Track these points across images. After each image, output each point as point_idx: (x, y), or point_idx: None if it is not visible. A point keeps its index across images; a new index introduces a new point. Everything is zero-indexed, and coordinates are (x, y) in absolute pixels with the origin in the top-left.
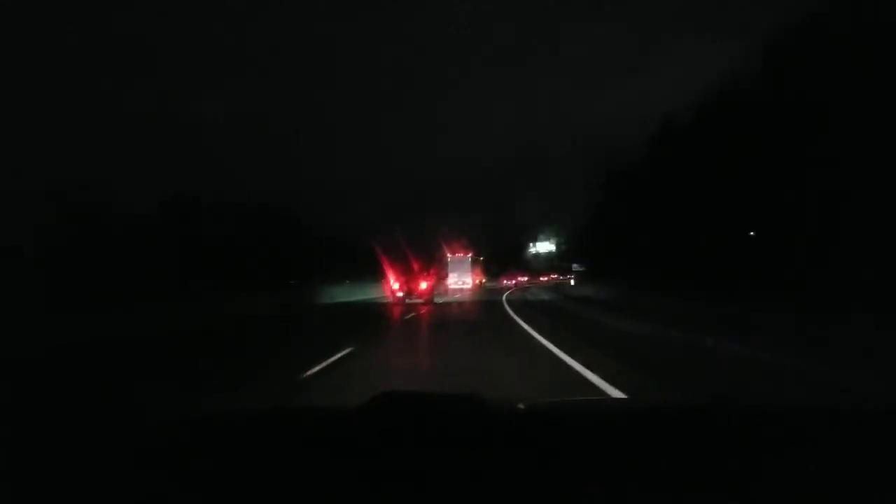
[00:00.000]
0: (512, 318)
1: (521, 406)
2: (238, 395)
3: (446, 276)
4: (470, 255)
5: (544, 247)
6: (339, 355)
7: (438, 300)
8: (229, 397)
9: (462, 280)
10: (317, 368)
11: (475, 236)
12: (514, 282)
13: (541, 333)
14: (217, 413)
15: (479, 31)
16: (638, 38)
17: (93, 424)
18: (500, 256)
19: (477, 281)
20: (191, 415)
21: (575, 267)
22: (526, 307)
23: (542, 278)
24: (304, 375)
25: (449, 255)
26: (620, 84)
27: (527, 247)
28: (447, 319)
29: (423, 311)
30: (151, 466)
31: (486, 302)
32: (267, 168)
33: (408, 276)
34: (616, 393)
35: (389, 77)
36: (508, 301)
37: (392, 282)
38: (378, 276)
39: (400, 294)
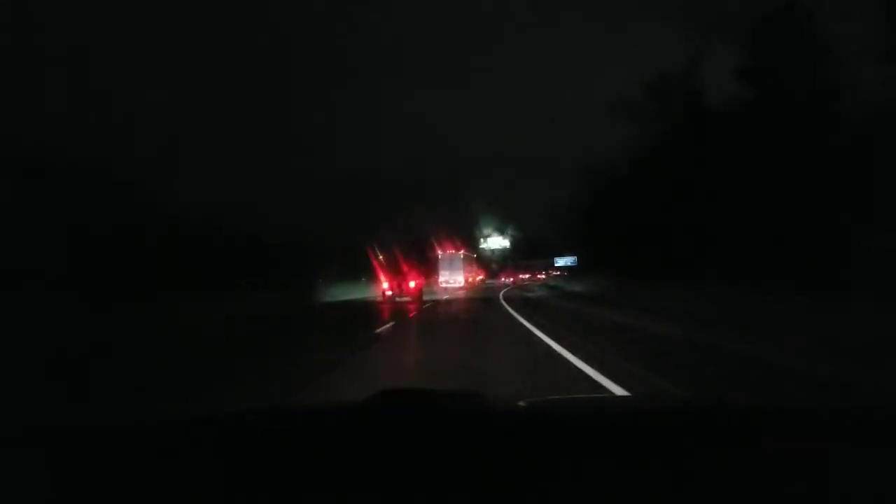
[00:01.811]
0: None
1: (521, 404)
2: None
3: (437, 273)
4: (462, 252)
5: (496, 242)
6: None
7: (428, 297)
8: None
9: (453, 278)
10: None
11: (452, 234)
12: (511, 280)
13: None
14: (216, 413)
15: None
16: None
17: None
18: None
19: (470, 279)
20: (188, 414)
21: (559, 262)
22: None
23: (539, 276)
24: None
25: (439, 252)
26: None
27: (479, 242)
28: (436, 328)
29: (411, 315)
30: (149, 466)
31: (483, 300)
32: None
33: (396, 276)
34: (619, 390)
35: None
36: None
37: (382, 281)
38: (371, 274)
39: (389, 293)
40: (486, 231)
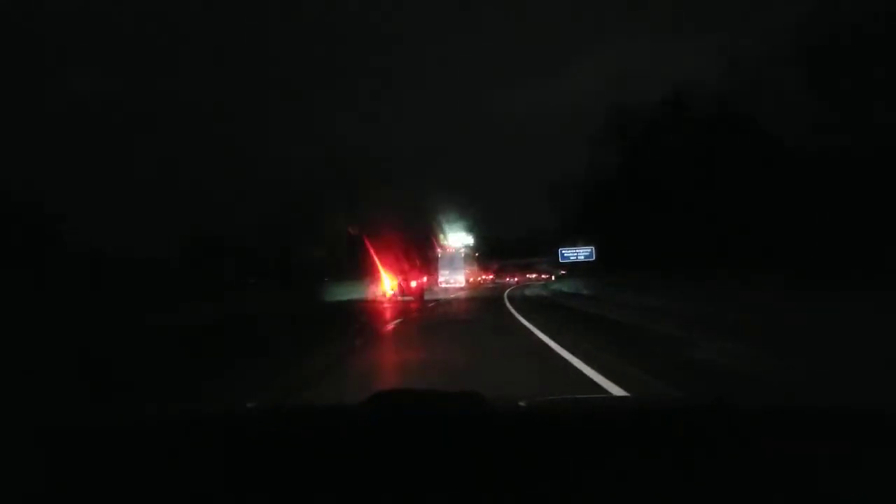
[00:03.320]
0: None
1: (521, 404)
2: None
3: (437, 273)
4: (462, 249)
5: (459, 240)
6: None
7: (429, 298)
8: None
9: (454, 278)
10: None
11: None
12: (515, 279)
13: None
14: (214, 412)
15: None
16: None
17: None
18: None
19: (472, 279)
20: (187, 414)
21: (567, 256)
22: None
23: (543, 276)
24: None
25: (439, 250)
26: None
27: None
28: (436, 329)
29: (413, 315)
30: (147, 466)
31: (486, 301)
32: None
33: (398, 275)
34: (618, 391)
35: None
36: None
37: (383, 281)
38: (374, 274)
39: (390, 293)
40: (447, 228)
